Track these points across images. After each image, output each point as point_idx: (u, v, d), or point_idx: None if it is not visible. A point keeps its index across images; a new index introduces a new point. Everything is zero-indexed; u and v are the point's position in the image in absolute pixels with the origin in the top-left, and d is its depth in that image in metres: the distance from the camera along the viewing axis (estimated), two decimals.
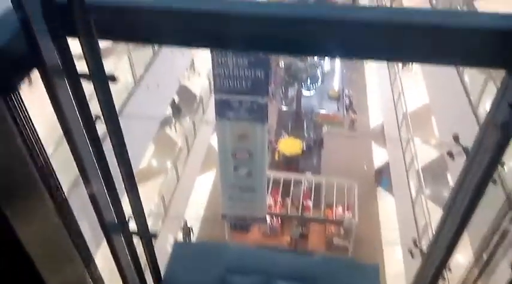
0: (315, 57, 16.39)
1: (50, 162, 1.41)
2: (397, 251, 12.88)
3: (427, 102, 14.03)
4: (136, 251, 2.27)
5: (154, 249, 2.50)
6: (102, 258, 3.14)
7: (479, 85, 8.95)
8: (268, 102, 6.47)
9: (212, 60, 5.94)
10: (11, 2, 1.20)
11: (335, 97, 20.18)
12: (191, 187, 15.30)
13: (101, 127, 1.70)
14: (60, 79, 1.31)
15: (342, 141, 18.05)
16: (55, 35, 1.28)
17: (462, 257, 7.25)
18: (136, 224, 2.19)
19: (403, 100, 14.68)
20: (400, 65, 16.08)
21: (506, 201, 5.02)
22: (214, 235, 14.03)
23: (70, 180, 5.49)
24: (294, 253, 5.17)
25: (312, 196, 14.22)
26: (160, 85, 11.10)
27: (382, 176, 16.44)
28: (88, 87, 1.49)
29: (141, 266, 2.43)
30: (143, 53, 10.65)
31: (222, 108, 6.35)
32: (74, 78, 1.33)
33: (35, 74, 1.35)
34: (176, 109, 15.90)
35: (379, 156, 17.26)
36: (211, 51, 5.69)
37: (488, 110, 1.54)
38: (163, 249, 10.02)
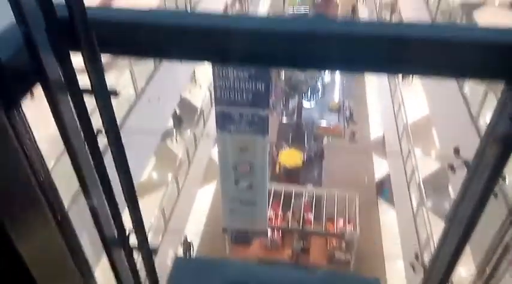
0: None
1: (51, 177, 1.41)
2: (399, 265, 12.77)
3: (427, 113, 14.07)
4: (136, 266, 2.25)
5: (155, 264, 2.48)
6: (102, 273, 3.12)
7: (479, 96, 8.99)
8: (269, 114, 6.49)
9: (213, 72, 5.98)
10: (14, 17, 1.22)
11: (335, 109, 20.26)
12: (192, 200, 15.27)
13: (101, 140, 1.71)
14: (63, 94, 1.32)
15: (343, 153, 18.05)
16: (58, 49, 1.30)
17: (465, 271, 7.19)
18: (137, 238, 2.17)
19: (403, 111, 14.73)
20: (400, 76, 16.18)
21: (509, 215, 5.01)
22: (215, 248, 13.95)
23: (68, 197, 5.48)
24: (295, 269, 5.14)
25: (313, 208, 14.15)
26: (161, 98, 11.15)
27: (383, 188, 16.41)
28: (89, 100, 1.50)
29: (140, 281, 2.41)
30: (145, 65, 10.74)
31: (222, 121, 6.36)
32: (76, 93, 1.34)
33: (37, 88, 1.36)
34: (177, 120, 15.95)
35: (380, 168, 17.24)
36: (212, 64, 5.73)
37: (488, 122, 1.55)
38: (164, 264, 9.95)
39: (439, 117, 12.56)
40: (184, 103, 16.55)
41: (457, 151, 7.02)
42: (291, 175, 16.29)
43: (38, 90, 1.35)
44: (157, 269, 2.54)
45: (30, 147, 1.21)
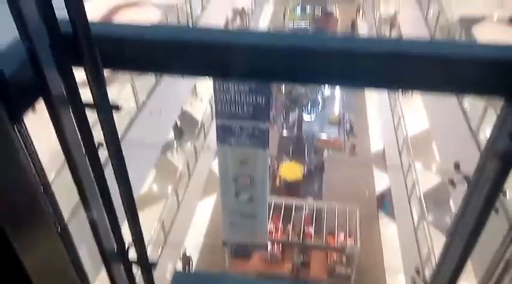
0: None
1: (52, 189, 1.41)
2: (400, 280, 12.64)
3: (427, 127, 14.09)
4: (135, 281, 2.24)
5: (154, 278, 2.47)
6: None
7: (479, 111, 9.02)
8: (269, 128, 6.50)
9: (214, 86, 6.02)
10: (19, 32, 1.23)
11: (336, 122, 20.30)
12: (192, 213, 15.20)
13: (102, 152, 1.71)
14: (65, 108, 1.33)
15: (343, 166, 18.03)
16: (61, 65, 1.31)
17: None
18: (137, 252, 2.16)
19: (403, 125, 14.75)
20: (400, 91, 16.24)
21: (510, 230, 4.96)
22: (214, 262, 13.83)
23: (67, 211, 5.46)
24: (295, 283, 5.08)
25: (314, 222, 14.07)
26: (162, 111, 11.19)
27: (384, 201, 16.33)
28: (91, 113, 1.51)
29: None
30: (146, 79, 10.81)
31: (223, 134, 6.37)
32: (79, 108, 1.35)
33: (38, 102, 1.37)
34: (178, 132, 15.98)
35: (381, 181, 17.19)
36: (213, 78, 5.77)
37: (488, 137, 1.55)
38: (163, 278, 9.86)
39: (439, 131, 12.58)
40: (185, 116, 16.61)
41: (457, 166, 7.02)
42: (291, 188, 16.24)
43: (39, 104, 1.37)
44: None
45: (32, 160, 1.22)
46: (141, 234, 2.14)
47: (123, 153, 1.73)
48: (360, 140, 19.34)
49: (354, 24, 27.18)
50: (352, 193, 16.29)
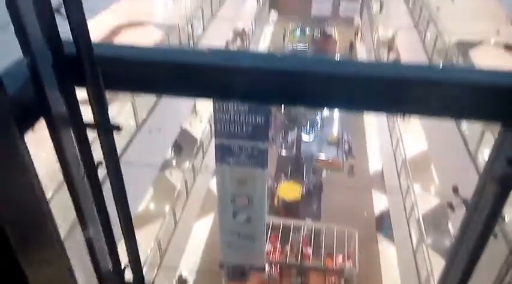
0: None
1: (49, 207, 1.41)
2: None
3: (426, 148, 14.13)
4: None
5: None
6: None
7: (477, 133, 9.07)
8: (268, 147, 6.52)
9: (213, 105, 6.06)
10: (22, 52, 1.25)
11: (334, 143, 20.34)
12: (188, 232, 15.05)
13: (100, 171, 1.71)
14: (66, 128, 1.34)
15: (342, 186, 17.97)
16: (63, 84, 1.33)
17: None
18: (132, 273, 2.13)
19: (401, 146, 14.79)
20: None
21: (509, 255, 4.93)
22: None
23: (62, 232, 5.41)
24: None
25: (312, 243, 13.93)
26: (162, 129, 11.22)
27: (382, 223, 16.22)
28: (90, 131, 1.52)
29: None
30: (146, 97, 10.88)
31: (222, 153, 6.38)
32: (80, 128, 1.36)
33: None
34: (178, 148, 15.98)
35: (380, 202, 17.13)
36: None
37: (486, 160, 1.56)
38: None
39: (437, 153, 12.61)
40: (185, 135, 16.65)
41: (455, 189, 7.01)
42: (290, 209, 16.14)
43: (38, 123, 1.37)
44: None
45: (33, 180, 1.22)
46: (138, 254, 2.12)
47: (122, 171, 1.73)
48: (358, 161, 19.34)
49: (352, 45, 27.57)
50: (351, 214, 16.19)
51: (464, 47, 12.96)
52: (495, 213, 1.48)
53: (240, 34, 24.21)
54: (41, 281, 1.25)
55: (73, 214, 1.70)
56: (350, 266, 13.11)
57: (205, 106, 17.05)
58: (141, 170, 9.84)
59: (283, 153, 19.74)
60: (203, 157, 16.02)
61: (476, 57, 12.52)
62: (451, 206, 6.05)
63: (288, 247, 13.61)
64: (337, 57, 21.96)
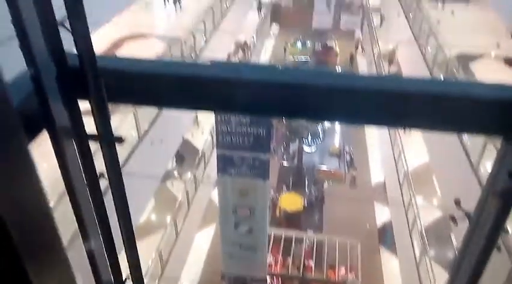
0: None
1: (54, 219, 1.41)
2: None
3: (427, 160, 14.09)
4: None
5: None
6: None
7: (478, 145, 9.05)
8: (270, 159, 6.52)
9: (215, 117, 6.09)
10: (26, 64, 1.26)
11: (336, 154, 20.31)
12: (190, 243, 14.96)
13: (102, 183, 1.72)
14: (68, 140, 1.35)
15: (344, 198, 17.90)
16: (66, 97, 1.34)
17: None
18: None
19: (403, 158, 14.75)
20: None
21: None
22: None
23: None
24: None
25: (314, 255, 13.83)
26: (164, 141, 11.24)
27: (385, 235, 16.10)
28: (92, 143, 1.52)
29: None
30: (148, 109, 10.92)
31: (224, 164, 6.38)
32: (82, 139, 1.37)
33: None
34: (180, 158, 15.97)
35: (382, 214, 17.03)
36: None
37: (488, 172, 1.56)
38: None
39: (439, 165, 12.57)
40: (186, 145, 16.66)
41: (457, 202, 6.97)
42: (292, 220, 16.06)
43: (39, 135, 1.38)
44: None
45: (38, 191, 1.22)
46: (139, 265, 2.11)
47: (124, 182, 1.73)
48: (360, 172, 19.29)
49: (352, 57, 27.72)
50: (353, 225, 16.10)
51: (465, 60, 13.01)
52: (498, 227, 1.47)
53: (242, 46, 24.40)
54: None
55: (74, 225, 1.70)
56: (352, 278, 12.99)
57: (207, 117, 17.09)
58: (143, 181, 9.84)
59: (285, 164, 19.72)
60: (205, 168, 16.01)
61: (477, 71, 12.57)
62: (453, 219, 6.02)
63: (290, 259, 13.50)
64: (338, 69, 22.07)
